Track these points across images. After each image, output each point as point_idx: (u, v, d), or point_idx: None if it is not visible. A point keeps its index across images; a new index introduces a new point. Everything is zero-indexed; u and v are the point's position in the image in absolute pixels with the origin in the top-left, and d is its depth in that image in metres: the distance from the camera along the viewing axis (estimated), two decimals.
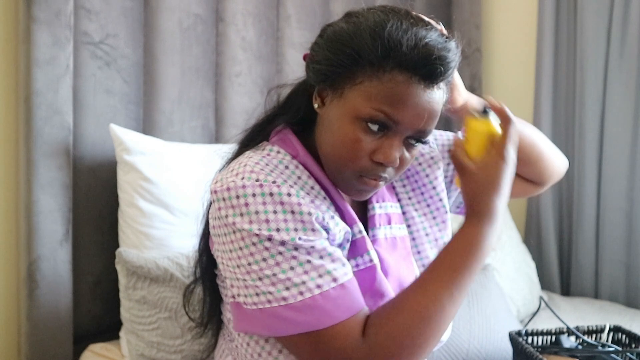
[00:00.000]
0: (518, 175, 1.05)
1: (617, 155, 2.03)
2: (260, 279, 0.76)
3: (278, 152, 0.86)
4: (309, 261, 0.76)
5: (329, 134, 0.82)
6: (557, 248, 2.23)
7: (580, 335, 1.24)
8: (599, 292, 2.11)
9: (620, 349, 1.17)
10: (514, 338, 1.22)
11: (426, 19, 0.81)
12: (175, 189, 1.43)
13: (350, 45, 0.77)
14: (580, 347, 1.21)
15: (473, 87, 2.35)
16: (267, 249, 0.76)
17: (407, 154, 0.83)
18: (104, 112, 1.48)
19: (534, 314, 1.69)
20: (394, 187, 1.00)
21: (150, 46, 1.57)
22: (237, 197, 0.77)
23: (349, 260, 0.85)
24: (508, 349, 1.35)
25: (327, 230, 0.81)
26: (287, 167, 0.84)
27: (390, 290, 0.87)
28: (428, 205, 0.99)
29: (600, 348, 1.17)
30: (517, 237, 2.09)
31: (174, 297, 1.23)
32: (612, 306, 1.97)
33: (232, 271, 0.79)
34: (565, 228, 2.24)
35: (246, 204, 0.76)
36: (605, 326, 1.29)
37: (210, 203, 0.84)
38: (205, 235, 0.94)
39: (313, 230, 0.78)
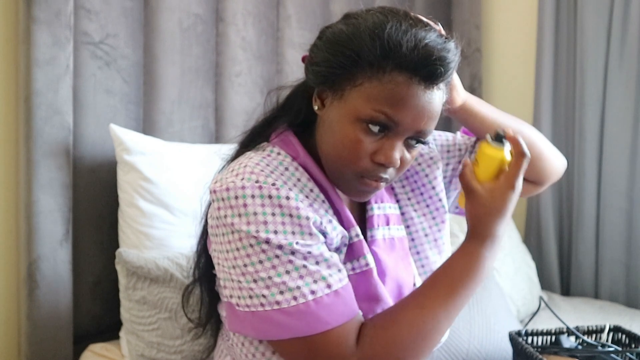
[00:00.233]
0: None
1: (617, 155, 2.03)
2: (254, 281, 0.76)
3: (278, 153, 0.86)
4: (304, 266, 0.76)
5: (330, 136, 0.82)
6: (557, 248, 2.23)
7: (580, 335, 1.23)
8: (599, 292, 2.11)
9: (620, 349, 1.16)
10: (513, 338, 1.22)
11: (425, 19, 0.81)
12: (175, 189, 1.43)
13: (349, 46, 0.77)
14: (580, 347, 1.21)
15: (473, 87, 2.35)
16: (263, 251, 0.76)
17: (407, 154, 0.83)
18: (104, 112, 1.48)
19: (534, 314, 1.68)
20: (392, 188, 1.00)
21: (150, 46, 1.57)
22: (236, 197, 0.77)
23: (345, 263, 0.85)
24: (508, 349, 1.35)
25: (324, 234, 0.81)
26: (287, 169, 0.84)
27: (386, 294, 0.87)
28: (427, 206, 1.00)
29: (600, 348, 1.17)
30: (517, 237, 2.09)
31: (174, 297, 1.23)
32: (612, 306, 1.97)
33: (227, 272, 0.79)
34: (565, 228, 2.24)
35: (245, 205, 0.76)
36: (605, 326, 1.29)
37: (210, 203, 0.84)
38: (204, 236, 0.94)
39: (310, 234, 0.78)
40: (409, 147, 0.83)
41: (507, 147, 0.86)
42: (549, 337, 1.26)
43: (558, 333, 1.25)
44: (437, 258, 0.99)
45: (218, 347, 0.98)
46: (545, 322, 1.68)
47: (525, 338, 1.24)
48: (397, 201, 1.00)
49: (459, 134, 1.09)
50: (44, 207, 1.34)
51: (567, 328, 1.25)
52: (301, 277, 0.76)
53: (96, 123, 1.47)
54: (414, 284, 0.96)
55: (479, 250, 0.82)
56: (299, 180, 0.84)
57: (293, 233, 0.77)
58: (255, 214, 0.76)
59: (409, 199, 1.00)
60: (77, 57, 1.42)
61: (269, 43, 1.81)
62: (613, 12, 2.02)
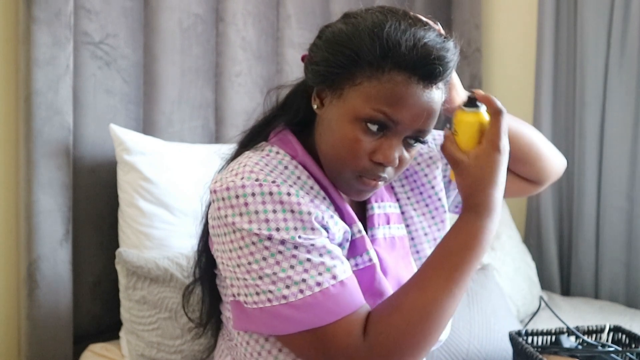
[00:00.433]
0: (516, 174, 1.05)
1: (617, 155, 2.03)
2: (260, 277, 0.76)
3: (277, 152, 0.86)
4: (308, 259, 0.76)
5: (329, 135, 0.82)
6: (557, 248, 2.23)
7: (580, 335, 1.24)
8: (599, 292, 2.11)
9: (620, 349, 1.17)
10: (513, 338, 1.22)
11: (424, 19, 0.81)
12: (175, 189, 1.43)
13: (349, 46, 0.77)
14: (580, 347, 1.21)
15: (473, 87, 2.35)
16: (267, 248, 0.76)
17: (406, 153, 0.83)
18: (104, 112, 1.48)
19: (534, 314, 1.69)
20: (392, 187, 1.01)
21: (150, 46, 1.57)
22: (237, 196, 0.77)
23: (348, 259, 0.85)
24: (508, 349, 1.35)
25: (326, 229, 0.81)
26: (286, 167, 0.84)
27: (390, 289, 0.87)
28: (427, 205, 1.00)
29: (600, 348, 1.17)
30: (517, 237, 2.09)
31: (174, 297, 1.23)
32: (612, 306, 1.97)
33: (232, 271, 0.79)
34: (565, 228, 2.24)
35: (245, 204, 0.76)
36: (605, 326, 1.29)
37: (210, 203, 0.84)
38: (205, 236, 0.94)
39: (312, 229, 0.78)
40: (408, 146, 0.83)
41: (483, 108, 0.83)
42: (549, 337, 1.26)
43: (558, 333, 1.26)
44: None
45: (218, 347, 0.98)
46: (545, 322, 1.68)
47: (525, 338, 1.24)
48: (397, 200, 1.00)
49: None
50: (44, 207, 1.34)
51: (567, 328, 1.25)
52: (306, 270, 0.76)
53: (96, 123, 1.47)
54: None
55: (475, 222, 0.79)
56: (298, 178, 0.84)
57: (295, 228, 0.77)
58: (256, 212, 0.76)
59: (408, 198, 1.00)
60: (77, 57, 1.42)
61: (269, 43, 1.81)
62: (613, 12, 2.02)
